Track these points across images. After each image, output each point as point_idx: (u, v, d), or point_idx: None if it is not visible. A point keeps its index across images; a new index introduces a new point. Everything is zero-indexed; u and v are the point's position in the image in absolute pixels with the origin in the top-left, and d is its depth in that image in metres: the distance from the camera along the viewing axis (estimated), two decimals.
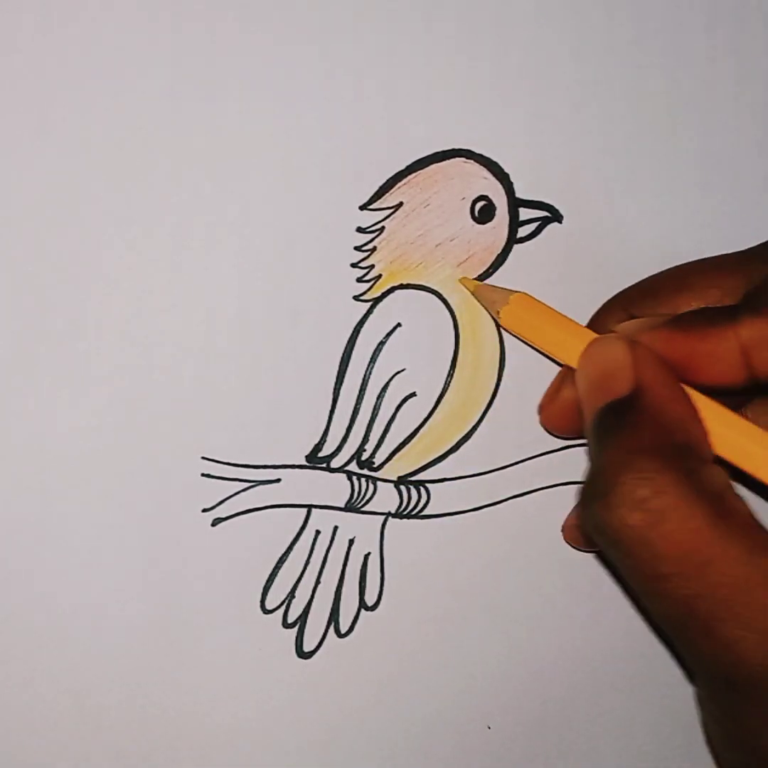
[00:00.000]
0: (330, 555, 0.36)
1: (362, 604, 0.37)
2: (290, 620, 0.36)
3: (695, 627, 0.27)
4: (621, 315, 0.34)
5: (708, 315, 0.31)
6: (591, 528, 0.29)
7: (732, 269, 0.33)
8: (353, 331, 0.36)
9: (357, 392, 0.36)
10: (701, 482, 0.28)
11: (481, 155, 0.36)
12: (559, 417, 0.35)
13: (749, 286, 0.32)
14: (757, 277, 0.32)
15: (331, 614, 0.36)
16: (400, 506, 0.37)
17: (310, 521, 0.36)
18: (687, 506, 0.27)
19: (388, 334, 0.36)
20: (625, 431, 0.29)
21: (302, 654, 0.36)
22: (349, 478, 0.36)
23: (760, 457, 0.30)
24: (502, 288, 0.36)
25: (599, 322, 0.35)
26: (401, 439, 0.36)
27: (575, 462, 0.37)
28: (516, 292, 0.35)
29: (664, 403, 0.29)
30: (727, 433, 0.30)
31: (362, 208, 0.35)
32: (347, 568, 0.37)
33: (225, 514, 0.35)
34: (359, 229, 0.35)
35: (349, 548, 0.37)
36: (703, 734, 0.32)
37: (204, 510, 0.35)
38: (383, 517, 0.37)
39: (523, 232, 0.37)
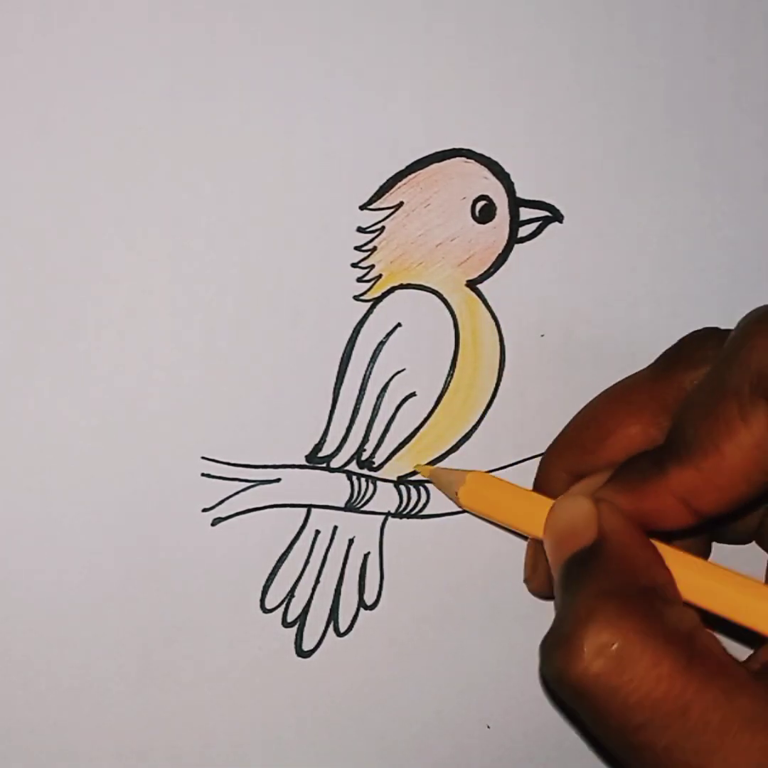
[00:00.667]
0: (329, 555, 0.36)
1: (361, 604, 0.37)
2: (290, 619, 0.36)
3: None
4: (560, 474, 0.34)
5: (638, 471, 0.30)
6: (554, 682, 0.28)
7: (644, 400, 0.33)
8: (353, 331, 0.36)
9: (357, 392, 0.36)
10: (668, 624, 0.27)
11: (481, 155, 0.36)
12: (547, 586, 0.35)
13: (665, 412, 0.32)
14: (670, 401, 0.32)
15: (330, 613, 0.36)
16: (399, 506, 0.37)
17: (309, 521, 0.36)
18: (654, 650, 0.26)
19: (388, 334, 0.36)
20: (588, 578, 0.28)
21: (301, 653, 0.36)
22: (349, 478, 0.36)
23: (728, 598, 0.29)
24: (456, 470, 0.36)
25: (543, 485, 0.35)
26: (401, 439, 0.36)
27: None
28: (470, 471, 0.35)
29: (626, 548, 0.29)
30: (693, 577, 0.30)
31: (362, 208, 0.35)
32: (347, 568, 0.37)
33: (225, 514, 0.35)
34: (359, 229, 0.35)
35: (348, 548, 0.37)
36: None
37: (204, 510, 0.35)
38: (383, 516, 0.37)
39: (523, 231, 0.37)
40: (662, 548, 0.30)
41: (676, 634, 0.26)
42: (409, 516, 0.37)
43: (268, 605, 0.36)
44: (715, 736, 0.25)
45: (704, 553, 0.35)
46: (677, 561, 0.30)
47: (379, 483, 0.36)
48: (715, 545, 0.35)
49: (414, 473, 0.37)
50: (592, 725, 0.27)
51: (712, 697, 0.25)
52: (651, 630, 0.26)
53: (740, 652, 0.30)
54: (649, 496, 0.30)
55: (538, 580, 0.35)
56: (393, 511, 0.37)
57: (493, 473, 0.37)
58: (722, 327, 0.33)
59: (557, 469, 0.35)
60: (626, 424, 0.33)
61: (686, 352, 0.33)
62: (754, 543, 0.36)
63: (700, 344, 0.33)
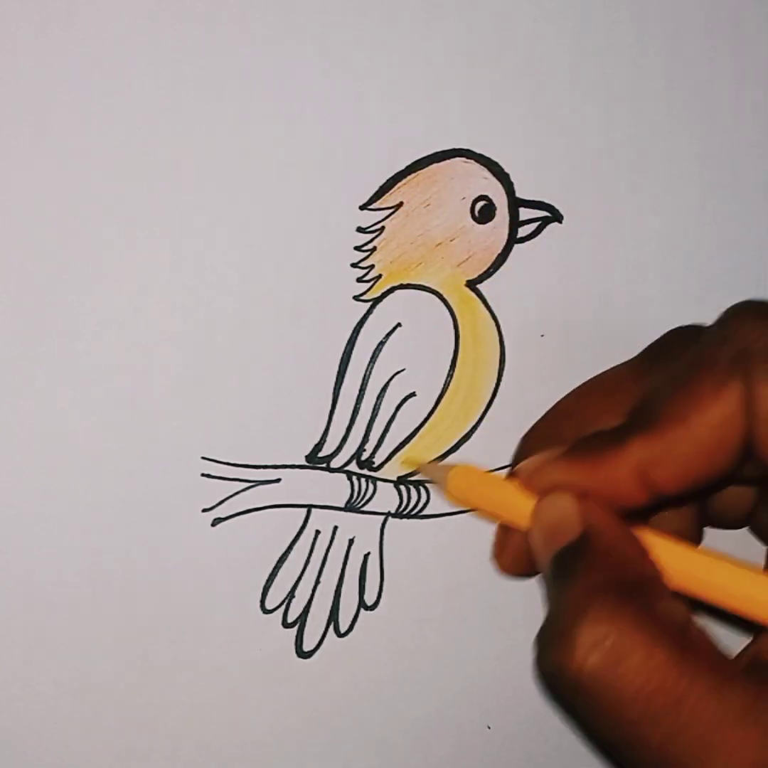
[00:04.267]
0: (330, 555, 0.36)
1: (362, 604, 0.37)
2: (290, 620, 0.36)
3: None
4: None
5: (597, 441, 0.30)
6: (547, 680, 0.28)
7: (623, 393, 0.32)
8: (353, 331, 0.36)
9: (357, 392, 0.36)
10: (660, 617, 0.26)
11: (481, 155, 0.36)
12: (514, 564, 0.34)
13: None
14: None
15: (330, 614, 0.36)
16: (400, 506, 0.37)
17: (309, 521, 0.36)
18: (648, 643, 0.26)
19: (388, 334, 0.36)
20: (578, 574, 0.28)
21: (302, 654, 0.36)
22: (349, 478, 0.36)
23: (718, 586, 0.29)
24: (443, 464, 0.36)
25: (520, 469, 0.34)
26: (401, 439, 0.36)
27: None
28: (456, 465, 0.34)
29: (613, 542, 0.28)
30: (681, 565, 0.29)
31: (362, 208, 0.35)
32: (347, 568, 0.37)
33: (225, 514, 0.35)
34: (359, 229, 0.36)
35: (348, 548, 0.37)
36: None
37: (204, 510, 0.35)
38: (383, 517, 0.37)
39: (523, 231, 0.37)
40: (649, 537, 0.30)
41: (668, 626, 0.26)
42: (409, 516, 0.37)
43: (269, 606, 0.36)
44: (708, 731, 0.25)
45: (696, 539, 0.34)
46: (665, 550, 0.29)
47: (379, 483, 0.36)
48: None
49: (414, 473, 0.37)
50: (588, 724, 0.27)
51: (705, 690, 0.25)
52: (644, 623, 0.26)
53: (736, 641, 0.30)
54: (605, 466, 0.29)
55: (506, 561, 0.34)
56: (393, 511, 0.37)
57: (493, 473, 0.37)
58: None
59: (533, 451, 0.33)
60: (604, 418, 0.31)
61: (668, 346, 0.32)
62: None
63: (683, 339, 0.32)
